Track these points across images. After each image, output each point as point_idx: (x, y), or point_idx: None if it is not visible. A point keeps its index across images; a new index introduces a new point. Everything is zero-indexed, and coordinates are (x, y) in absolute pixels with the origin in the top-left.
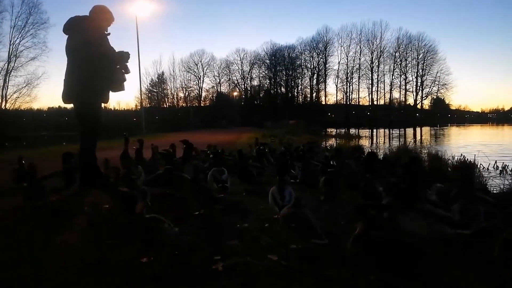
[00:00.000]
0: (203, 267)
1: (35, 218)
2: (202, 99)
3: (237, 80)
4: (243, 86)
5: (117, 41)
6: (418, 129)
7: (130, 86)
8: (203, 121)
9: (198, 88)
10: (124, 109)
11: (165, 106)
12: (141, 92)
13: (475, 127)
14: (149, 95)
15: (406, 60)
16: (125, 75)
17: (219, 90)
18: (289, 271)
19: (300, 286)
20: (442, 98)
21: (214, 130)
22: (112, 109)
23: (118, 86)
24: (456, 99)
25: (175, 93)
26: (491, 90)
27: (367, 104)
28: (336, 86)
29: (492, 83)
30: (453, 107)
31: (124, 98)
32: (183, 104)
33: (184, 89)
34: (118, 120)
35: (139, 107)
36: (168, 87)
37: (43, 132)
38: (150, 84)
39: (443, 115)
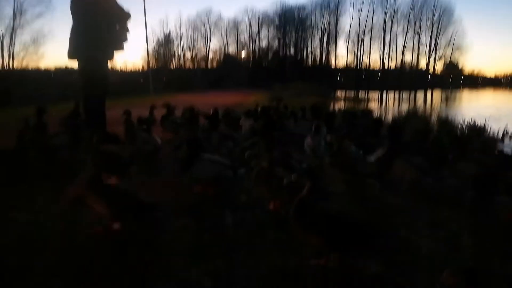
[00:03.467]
0: (214, 218)
1: None
2: (209, 60)
3: (245, 41)
4: (251, 47)
5: None
6: (429, 92)
7: (137, 46)
8: (210, 83)
9: (205, 48)
10: (130, 70)
11: (172, 67)
12: (147, 52)
13: (487, 90)
14: (156, 55)
15: (420, 21)
16: (126, 34)
17: (226, 51)
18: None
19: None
20: (456, 62)
21: (221, 91)
22: (119, 70)
23: (120, 45)
24: (469, 64)
25: (182, 54)
26: (507, 55)
27: (378, 67)
28: (347, 48)
29: (508, 48)
30: (466, 72)
31: (130, 59)
32: (190, 65)
33: (191, 49)
34: (124, 81)
35: (146, 68)
36: (174, 47)
37: (51, 91)
38: (156, 44)
39: (455, 79)
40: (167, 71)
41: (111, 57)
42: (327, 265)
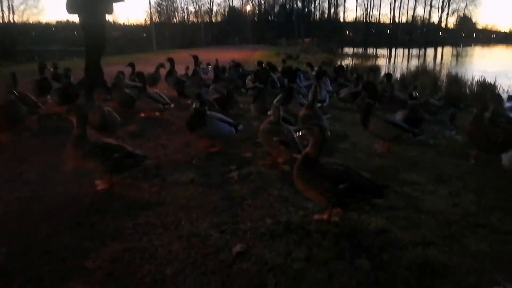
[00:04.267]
0: (220, 174)
1: None
2: (213, 14)
3: None
4: (256, 0)
5: None
6: (439, 49)
7: (139, 0)
8: (214, 38)
9: (209, 1)
10: (133, 24)
11: (175, 21)
12: (150, 4)
13: (500, 47)
14: (159, 9)
15: None
16: None
17: (231, 4)
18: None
19: None
20: (469, 16)
21: (225, 47)
22: (121, 24)
23: None
24: (483, 18)
25: (185, 8)
26: None
27: (388, 22)
28: (356, 1)
29: None
30: (479, 26)
31: (133, 13)
32: (194, 20)
33: (194, 2)
34: (127, 36)
35: (148, 22)
36: (178, 1)
37: (52, 46)
38: None
39: (468, 35)
40: (170, 26)
41: (110, 11)
42: (330, 220)
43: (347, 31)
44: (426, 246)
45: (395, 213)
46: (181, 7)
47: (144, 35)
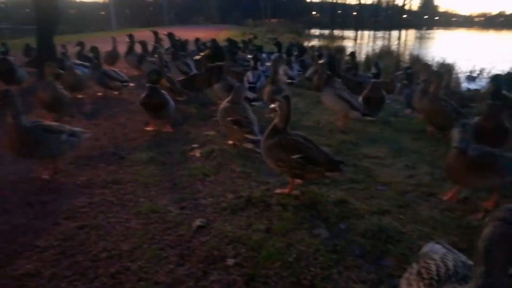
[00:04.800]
0: (181, 153)
1: None
2: None
3: None
4: None
5: None
6: (403, 32)
7: None
8: (177, 17)
9: None
10: (91, 2)
11: None
12: None
13: (461, 30)
14: None
15: None
16: None
17: None
18: (258, 156)
19: (263, 165)
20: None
21: (189, 26)
22: (78, 1)
23: None
24: (445, 2)
25: None
26: None
27: (354, 3)
28: None
29: None
30: (441, 10)
31: None
32: None
33: None
34: (84, 14)
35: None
36: None
37: (3, 24)
38: None
39: (430, 18)
40: (130, 3)
41: None
42: (291, 194)
43: (314, 12)
44: (382, 214)
45: (354, 185)
46: None
47: (103, 13)
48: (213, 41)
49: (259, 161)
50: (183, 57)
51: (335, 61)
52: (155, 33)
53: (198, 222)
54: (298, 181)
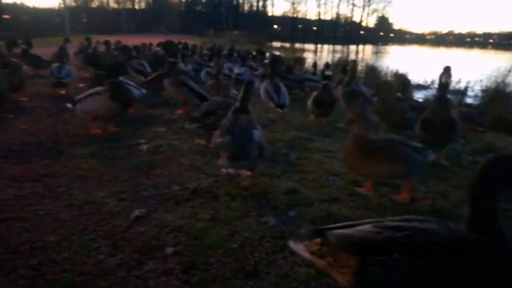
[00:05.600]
0: (127, 147)
1: None
2: (136, 0)
3: None
4: None
5: None
6: (361, 46)
7: None
8: (137, 25)
9: None
10: (45, 8)
11: (93, 5)
12: None
13: (414, 46)
14: None
15: None
16: None
17: None
18: (209, 151)
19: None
20: (387, 16)
21: (150, 35)
22: (32, 7)
23: None
24: (399, 20)
25: None
26: (432, 15)
27: (314, 18)
28: None
29: (432, 8)
30: (396, 27)
31: None
32: (115, 6)
33: None
34: (37, 20)
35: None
36: None
37: None
38: None
39: (385, 34)
40: (86, 10)
41: None
42: (240, 184)
43: (275, 25)
44: (332, 202)
45: (305, 176)
46: None
47: (58, 19)
48: (166, 41)
49: (210, 155)
50: (136, 58)
51: (277, 62)
52: (106, 43)
53: (136, 212)
54: (248, 173)
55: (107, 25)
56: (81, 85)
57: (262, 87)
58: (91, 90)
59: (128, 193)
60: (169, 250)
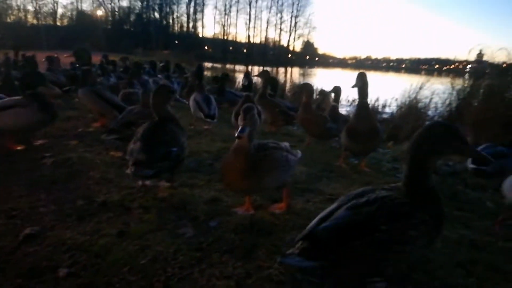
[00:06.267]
0: (29, 161)
1: None
2: (58, 16)
3: None
4: (109, 6)
5: None
6: (289, 69)
7: None
8: (60, 42)
9: (52, 2)
10: None
11: (8, 21)
12: None
13: (337, 69)
14: None
15: None
16: None
17: (80, 7)
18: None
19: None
20: (312, 41)
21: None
22: None
23: None
24: (322, 45)
25: (21, 6)
26: (352, 41)
27: (244, 40)
28: (214, 18)
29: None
30: (320, 52)
31: None
32: (34, 21)
33: (34, 1)
34: None
35: None
36: None
37: None
38: None
39: (311, 58)
40: (1, 25)
41: None
42: (157, 196)
43: (206, 47)
44: (255, 209)
45: None
46: (17, 5)
47: None
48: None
49: (126, 167)
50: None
51: (202, 70)
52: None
53: (27, 230)
54: (166, 184)
55: (24, 41)
56: None
57: (191, 98)
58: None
59: (21, 210)
60: (63, 271)
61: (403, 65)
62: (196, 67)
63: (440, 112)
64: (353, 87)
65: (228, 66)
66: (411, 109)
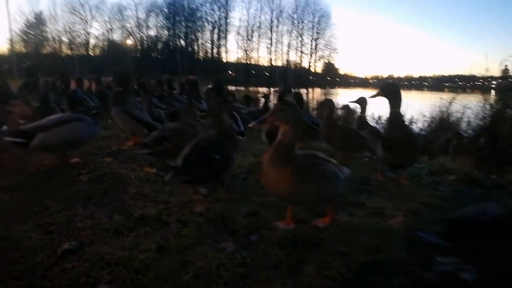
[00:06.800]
0: (64, 178)
1: None
2: (90, 46)
3: (131, 28)
4: (138, 36)
5: None
6: (310, 90)
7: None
8: (92, 71)
9: (85, 33)
10: None
11: (45, 52)
12: (10, 32)
13: (358, 89)
14: (25, 38)
15: (303, 22)
16: None
17: (110, 37)
18: (160, 178)
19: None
20: (333, 62)
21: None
22: None
23: None
24: (343, 65)
25: (57, 38)
26: (373, 60)
27: (266, 64)
28: (237, 43)
29: (375, 54)
30: (341, 72)
31: None
32: (69, 52)
33: (68, 33)
34: None
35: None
36: (48, 29)
37: None
38: (25, 24)
39: (332, 79)
40: (37, 56)
41: None
42: (194, 210)
43: (229, 71)
44: (296, 224)
45: (266, 199)
46: (53, 37)
47: (6, 66)
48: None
49: (161, 183)
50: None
51: (220, 87)
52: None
53: (65, 245)
54: (204, 191)
55: (58, 70)
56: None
57: None
58: (54, 118)
59: (58, 225)
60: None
61: (425, 83)
62: (214, 83)
63: (473, 125)
64: (371, 97)
65: (251, 88)
66: (443, 124)
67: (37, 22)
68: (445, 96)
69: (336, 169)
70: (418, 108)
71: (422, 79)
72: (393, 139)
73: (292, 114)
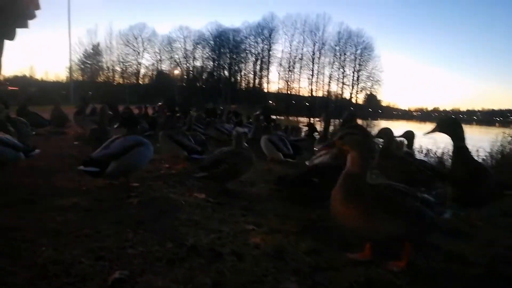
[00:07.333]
0: (115, 200)
1: None
2: (141, 75)
3: (179, 59)
4: (185, 66)
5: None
6: None
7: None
8: (141, 98)
9: (136, 63)
10: (53, 80)
11: (99, 80)
12: (70, 62)
13: (401, 122)
14: (83, 67)
15: (345, 54)
16: (34, 11)
17: (159, 67)
18: (214, 205)
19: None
20: (375, 94)
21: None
22: (40, 79)
23: (22, 21)
24: (386, 96)
25: (111, 67)
26: (417, 91)
27: (307, 94)
28: (279, 74)
29: (418, 85)
30: (384, 103)
31: (53, 69)
32: (120, 80)
33: (121, 63)
34: (44, 92)
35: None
36: (104, 60)
37: None
38: (83, 55)
39: (374, 110)
40: (92, 85)
41: (11, 37)
42: (249, 241)
43: (270, 101)
44: (366, 265)
45: (329, 235)
46: (107, 66)
47: (64, 92)
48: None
49: (211, 209)
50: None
51: (269, 110)
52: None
53: (116, 274)
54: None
55: (110, 97)
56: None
57: (263, 139)
58: (118, 143)
59: (109, 250)
60: None
61: (474, 117)
62: (262, 109)
63: None
64: (427, 133)
65: (291, 117)
66: (505, 158)
67: (94, 53)
68: (496, 131)
69: (419, 205)
70: (472, 143)
71: (470, 112)
72: (462, 174)
73: (362, 140)
